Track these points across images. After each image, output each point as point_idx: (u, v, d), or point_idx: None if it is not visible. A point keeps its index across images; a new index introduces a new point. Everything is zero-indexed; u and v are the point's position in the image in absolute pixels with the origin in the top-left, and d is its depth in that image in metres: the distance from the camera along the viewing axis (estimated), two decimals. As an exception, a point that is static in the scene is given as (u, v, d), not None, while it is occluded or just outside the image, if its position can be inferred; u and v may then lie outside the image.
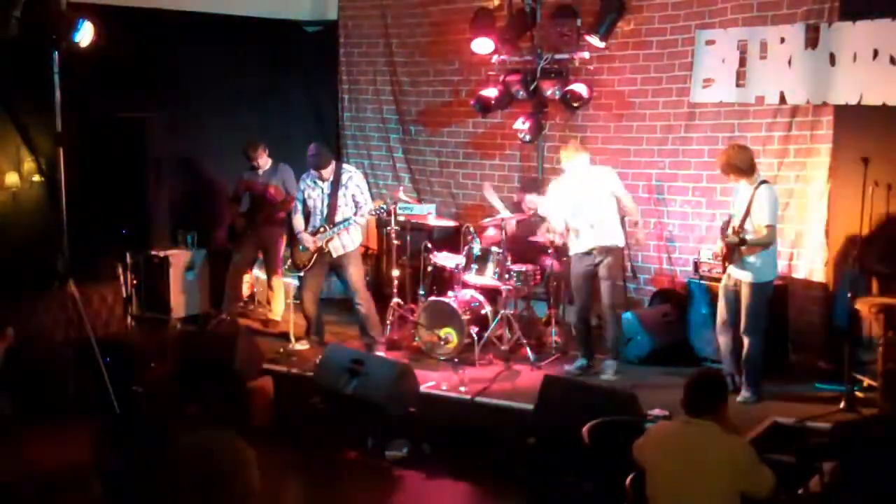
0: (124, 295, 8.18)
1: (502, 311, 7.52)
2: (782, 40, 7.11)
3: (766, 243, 6.21)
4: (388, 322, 7.89)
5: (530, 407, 6.04)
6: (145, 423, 6.42)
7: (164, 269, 8.40)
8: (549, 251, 7.72)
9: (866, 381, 6.29)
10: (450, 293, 7.65)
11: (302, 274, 7.63)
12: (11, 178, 7.63)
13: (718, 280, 6.76)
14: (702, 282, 7.27)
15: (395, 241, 7.94)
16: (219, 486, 2.39)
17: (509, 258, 7.56)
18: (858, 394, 6.15)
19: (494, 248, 7.51)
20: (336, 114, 10.28)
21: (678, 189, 7.96)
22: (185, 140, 8.79)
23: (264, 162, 8.23)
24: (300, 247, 7.55)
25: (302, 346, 7.66)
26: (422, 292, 8.01)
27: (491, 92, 8.32)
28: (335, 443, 6.53)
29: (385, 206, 7.60)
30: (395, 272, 7.96)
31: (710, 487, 3.87)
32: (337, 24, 10.11)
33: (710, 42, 7.57)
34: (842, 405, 6.10)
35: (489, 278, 7.54)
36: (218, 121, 8.85)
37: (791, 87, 7.09)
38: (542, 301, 8.08)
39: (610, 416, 5.10)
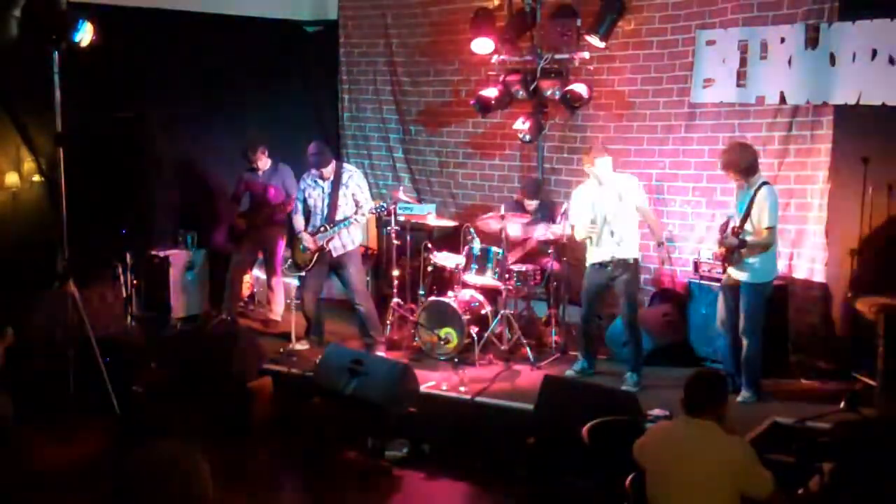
0: (124, 295, 8.18)
1: (502, 311, 7.52)
2: (782, 40, 7.11)
3: (766, 245, 6.21)
4: (388, 322, 7.90)
5: (530, 407, 6.04)
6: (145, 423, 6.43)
7: (164, 269, 8.40)
8: (549, 251, 7.72)
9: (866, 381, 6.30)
10: (450, 293, 7.65)
11: (302, 274, 7.63)
12: (11, 178, 7.63)
13: (718, 280, 6.77)
14: (702, 282, 7.27)
15: (395, 241, 7.94)
16: (173, 499, 2.39)
17: (509, 258, 7.56)
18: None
19: (494, 248, 7.51)
20: (336, 114, 10.29)
21: (678, 189, 7.96)
22: (185, 140, 8.80)
23: (264, 163, 8.23)
24: (301, 247, 7.55)
25: (302, 346, 7.66)
26: (422, 292, 8.01)
27: (491, 92, 8.32)
28: (335, 443, 6.53)
29: (385, 205, 7.60)
30: (395, 272, 7.96)
31: (710, 487, 3.87)
32: (337, 24, 10.11)
33: (710, 42, 7.57)
34: (842, 405, 6.09)
35: (489, 278, 7.54)
36: (218, 121, 8.85)
37: (791, 87, 7.10)
38: (542, 301, 8.08)
39: (610, 416, 5.10)
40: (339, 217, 7.39)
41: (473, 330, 7.32)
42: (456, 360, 7.23)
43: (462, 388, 6.69)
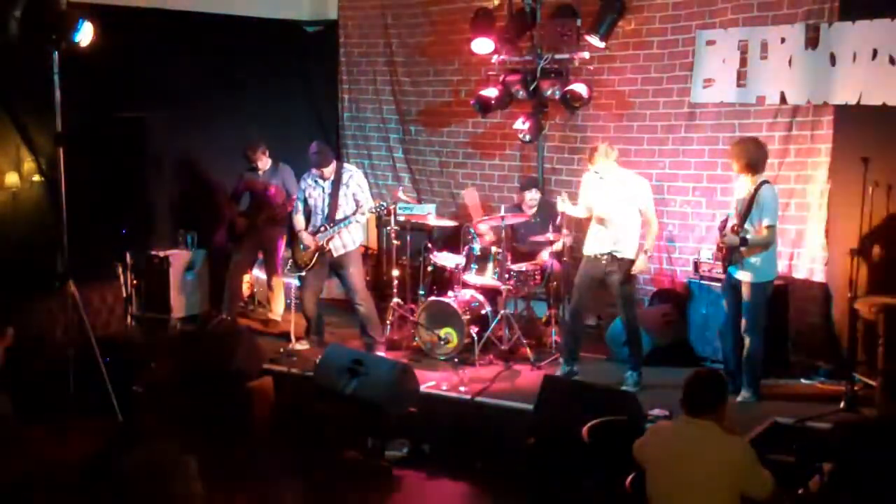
0: (124, 295, 8.18)
1: (502, 311, 7.52)
2: (783, 40, 7.11)
3: (766, 243, 6.21)
4: (388, 322, 7.90)
5: (530, 407, 6.03)
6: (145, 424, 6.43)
7: (164, 269, 8.40)
8: (549, 251, 7.72)
9: (866, 381, 6.30)
10: (450, 293, 7.65)
11: (303, 273, 7.63)
12: (11, 178, 7.63)
13: (718, 280, 6.77)
14: (702, 282, 7.27)
15: (395, 241, 7.94)
16: (162, 498, 2.40)
17: (509, 258, 7.56)
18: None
19: (494, 248, 7.51)
20: (336, 114, 10.29)
21: (678, 189, 7.96)
22: (185, 140, 8.79)
23: (264, 163, 8.23)
24: (301, 246, 7.55)
25: (302, 346, 7.66)
26: (422, 292, 8.01)
27: (491, 92, 8.32)
28: (335, 443, 6.53)
29: (385, 205, 7.61)
30: (395, 272, 7.96)
31: (710, 487, 3.87)
32: (337, 24, 10.11)
33: (710, 42, 7.57)
34: (842, 405, 6.11)
35: (489, 278, 7.54)
36: (218, 121, 8.85)
37: (791, 87, 7.10)
38: (542, 301, 8.08)
39: (610, 416, 5.10)
40: (339, 217, 7.39)
41: (473, 330, 7.32)
42: (456, 360, 7.24)
43: (462, 388, 6.69)
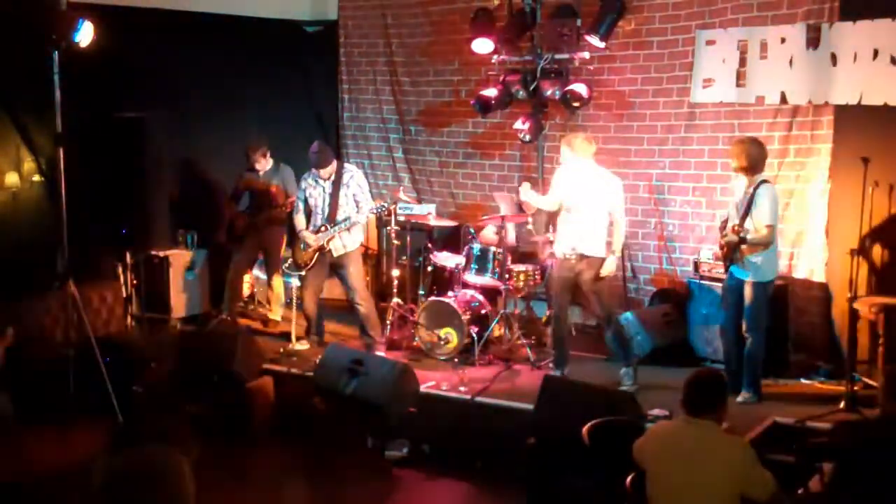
0: (124, 295, 8.18)
1: (502, 311, 7.51)
2: (783, 40, 7.11)
3: (765, 243, 6.21)
4: (388, 322, 7.89)
5: (530, 407, 6.03)
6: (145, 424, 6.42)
7: (164, 269, 8.40)
8: (550, 251, 7.71)
9: (866, 381, 6.30)
10: (450, 293, 7.65)
11: (303, 273, 7.63)
12: (11, 178, 7.63)
13: (718, 280, 6.76)
14: (702, 282, 7.27)
15: (395, 241, 7.94)
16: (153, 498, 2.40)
17: (509, 258, 7.56)
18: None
19: (494, 248, 7.51)
20: (336, 114, 10.29)
21: (678, 189, 7.96)
22: (185, 140, 8.79)
23: (263, 164, 8.22)
24: (301, 246, 7.55)
25: (302, 346, 7.66)
26: (422, 292, 8.01)
27: (491, 92, 8.32)
28: (335, 443, 6.53)
29: (385, 205, 7.60)
30: (395, 272, 7.96)
31: (710, 487, 3.87)
32: (337, 24, 10.11)
33: (710, 42, 7.57)
34: (842, 405, 6.11)
35: (489, 278, 7.53)
36: (218, 121, 8.85)
37: (792, 87, 7.10)
38: (542, 301, 8.08)
39: (610, 416, 5.10)
40: (339, 217, 7.39)
41: (473, 330, 7.32)
42: (456, 360, 7.23)
43: (462, 388, 6.69)
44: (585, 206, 6.65)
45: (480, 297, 7.65)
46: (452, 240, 8.65)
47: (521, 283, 7.59)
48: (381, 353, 7.37)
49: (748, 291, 6.27)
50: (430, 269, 8.12)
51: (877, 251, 6.71)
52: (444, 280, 8.14)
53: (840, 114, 6.91)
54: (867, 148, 6.43)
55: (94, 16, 6.51)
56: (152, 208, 8.67)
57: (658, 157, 8.04)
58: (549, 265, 7.69)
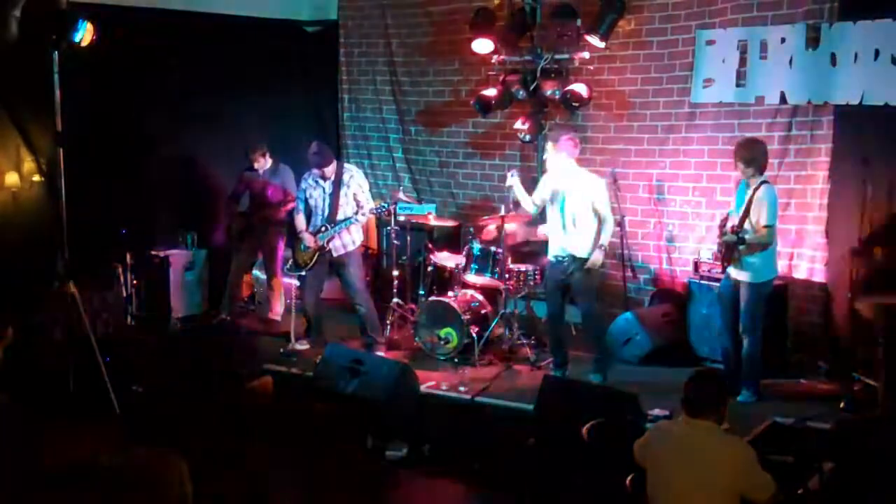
0: (124, 295, 8.17)
1: (502, 311, 7.51)
2: (783, 40, 7.11)
3: (765, 243, 6.21)
4: (388, 322, 7.90)
5: (530, 407, 6.04)
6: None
7: (164, 269, 8.40)
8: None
9: (866, 381, 6.29)
10: (450, 293, 7.65)
11: (303, 273, 7.63)
12: (11, 178, 7.62)
13: (718, 280, 6.76)
14: (702, 282, 7.27)
15: (395, 241, 7.95)
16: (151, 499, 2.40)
17: (509, 258, 7.56)
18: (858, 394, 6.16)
19: (494, 248, 7.51)
20: (336, 114, 10.29)
21: (678, 189, 7.96)
22: (185, 140, 8.79)
23: (262, 164, 8.23)
24: (301, 246, 7.55)
25: (302, 346, 7.66)
26: (422, 292, 8.01)
27: (491, 92, 8.32)
28: (335, 443, 6.52)
29: (385, 205, 7.60)
30: (395, 272, 7.96)
31: (710, 488, 3.88)
32: (337, 24, 10.12)
33: (710, 42, 7.57)
34: (842, 405, 6.11)
35: (489, 278, 7.53)
36: (218, 121, 8.85)
37: (792, 87, 7.09)
38: (542, 301, 8.07)
39: (610, 416, 5.10)
40: (339, 217, 7.39)
41: (473, 330, 7.32)
42: (456, 360, 7.23)
43: (462, 388, 6.70)
44: (571, 208, 6.67)
45: (480, 297, 7.65)
46: (452, 240, 8.65)
47: (521, 283, 7.59)
48: (381, 353, 7.37)
49: (744, 292, 6.28)
50: (430, 269, 8.12)
51: (877, 251, 6.70)
52: (444, 280, 8.14)
53: (840, 114, 6.91)
54: (867, 148, 6.43)
55: (94, 16, 6.51)
56: (152, 208, 8.67)
57: (658, 157, 8.04)
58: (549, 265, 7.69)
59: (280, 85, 9.64)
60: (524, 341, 7.44)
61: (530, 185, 7.35)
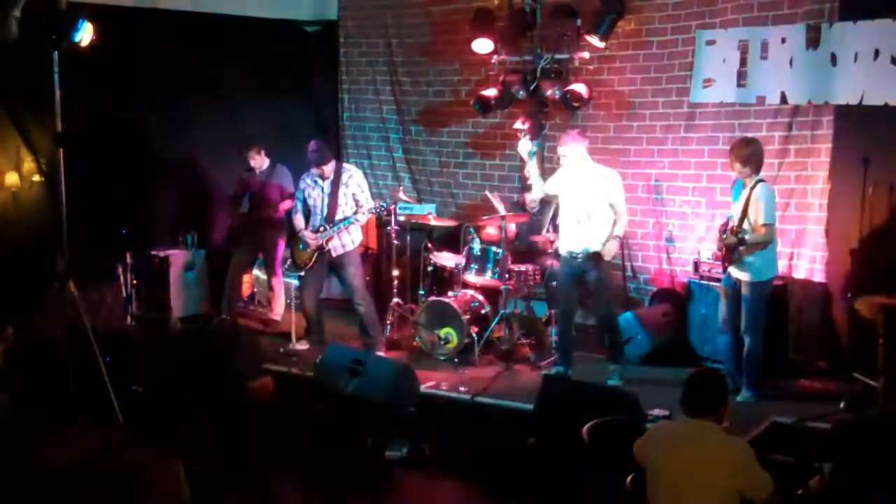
0: (124, 295, 8.18)
1: (502, 311, 7.52)
2: (783, 40, 7.11)
3: (764, 242, 6.21)
4: (388, 322, 7.90)
5: (530, 407, 6.03)
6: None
7: (164, 269, 8.41)
8: (550, 251, 7.72)
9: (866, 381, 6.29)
10: (450, 293, 7.65)
11: (302, 273, 7.63)
12: (11, 178, 7.63)
13: (718, 280, 6.77)
14: (702, 282, 7.27)
15: (395, 241, 7.95)
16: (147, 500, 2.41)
17: (509, 258, 7.56)
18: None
19: (494, 248, 7.51)
20: (336, 114, 10.29)
21: (678, 189, 7.96)
22: (185, 140, 8.80)
23: (259, 163, 8.23)
24: (300, 246, 7.56)
25: (302, 346, 7.66)
26: (422, 292, 8.01)
27: (491, 92, 8.33)
28: (335, 443, 6.52)
29: (385, 205, 7.60)
30: (395, 272, 7.96)
31: (710, 487, 3.88)
32: (337, 24, 10.12)
33: (710, 42, 7.57)
34: (842, 405, 6.11)
35: (489, 278, 7.53)
36: (218, 121, 8.85)
37: (792, 87, 7.10)
38: (542, 301, 8.08)
39: (610, 416, 5.10)
40: (338, 217, 7.39)
41: (473, 330, 7.32)
42: (456, 360, 7.23)
43: (462, 388, 6.70)
44: (588, 205, 6.66)
45: (480, 297, 7.65)
46: (452, 240, 8.65)
47: (521, 283, 7.59)
48: (381, 353, 7.37)
49: (745, 291, 6.28)
50: (430, 269, 8.12)
51: (877, 251, 6.70)
52: (444, 280, 8.14)
53: (840, 114, 6.91)
54: (867, 148, 6.43)
55: (94, 16, 6.51)
56: (152, 208, 8.68)
57: (657, 157, 8.04)
58: (549, 265, 7.69)
59: (280, 85, 9.64)
60: (524, 341, 7.44)
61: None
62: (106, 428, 6.32)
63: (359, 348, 7.35)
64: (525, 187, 7.25)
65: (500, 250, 7.45)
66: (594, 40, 7.86)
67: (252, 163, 8.21)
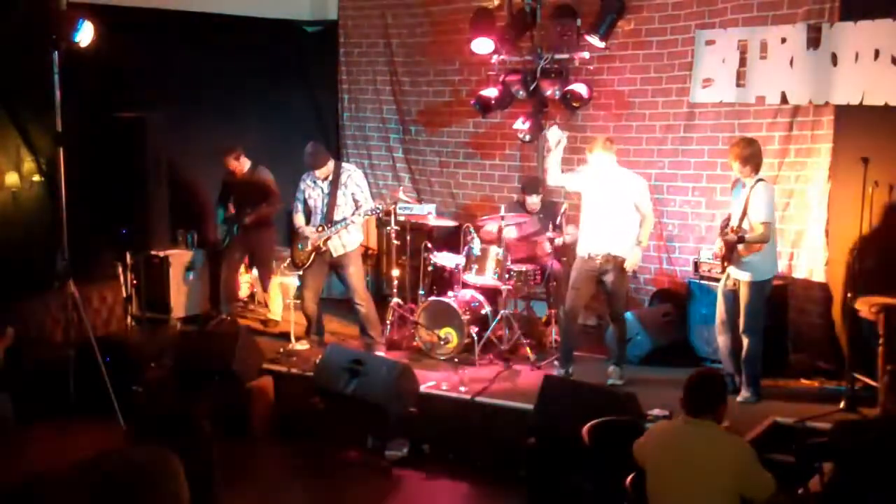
0: (124, 295, 8.18)
1: (502, 311, 7.51)
2: (783, 40, 7.11)
3: (762, 240, 6.21)
4: (388, 322, 7.89)
5: (530, 407, 6.03)
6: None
7: (164, 269, 8.40)
8: (549, 251, 7.72)
9: (866, 381, 6.29)
10: (450, 293, 7.65)
11: (302, 273, 7.63)
12: (11, 178, 7.63)
13: (718, 280, 6.76)
14: (702, 282, 7.27)
15: (395, 241, 7.95)
16: (146, 500, 2.40)
17: (509, 258, 7.56)
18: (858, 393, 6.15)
19: (494, 248, 7.51)
20: (336, 114, 10.29)
21: (678, 189, 7.96)
22: (185, 140, 8.78)
23: (238, 167, 8.23)
24: (299, 245, 7.56)
25: (302, 346, 7.66)
26: (422, 292, 8.01)
27: (491, 92, 8.32)
28: (335, 443, 6.53)
29: (381, 206, 7.60)
30: (395, 272, 7.96)
31: (710, 487, 3.88)
32: (337, 24, 10.12)
33: (710, 42, 7.57)
34: (842, 405, 6.11)
35: (489, 278, 7.53)
36: (218, 121, 8.85)
37: (792, 87, 7.10)
38: (542, 301, 8.08)
39: (610, 416, 5.10)
40: (337, 217, 7.39)
41: (473, 330, 7.32)
42: (456, 360, 7.23)
43: (462, 388, 6.69)
44: (612, 210, 6.64)
45: (480, 297, 7.65)
46: (452, 240, 8.65)
47: (521, 283, 7.60)
48: (381, 353, 7.37)
49: (744, 291, 6.28)
50: (430, 269, 8.12)
51: (877, 251, 6.70)
52: (444, 280, 8.14)
53: (840, 114, 6.91)
54: (867, 148, 6.42)
55: (94, 16, 6.52)
56: (152, 208, 8.65)
57: (657, 157, 8.04)
58: (549, 265, 7.69)
59: (280, 85, 9.64)
60: (524, 341, 7.44)
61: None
62: (106, 428, 6.33)
63: (359, 348, 7.35)
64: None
65: (500, 250, 7.45)
66: (594, 40, 7.86)
67: (231, 168, 8.22)
